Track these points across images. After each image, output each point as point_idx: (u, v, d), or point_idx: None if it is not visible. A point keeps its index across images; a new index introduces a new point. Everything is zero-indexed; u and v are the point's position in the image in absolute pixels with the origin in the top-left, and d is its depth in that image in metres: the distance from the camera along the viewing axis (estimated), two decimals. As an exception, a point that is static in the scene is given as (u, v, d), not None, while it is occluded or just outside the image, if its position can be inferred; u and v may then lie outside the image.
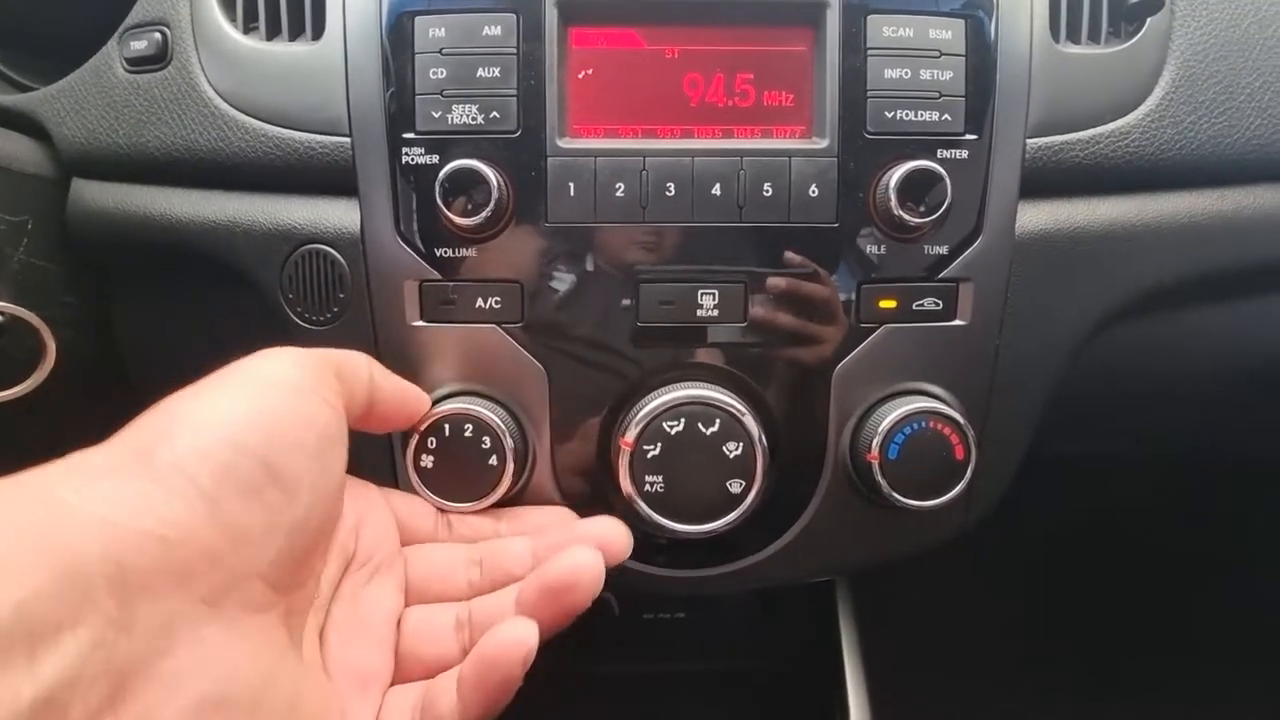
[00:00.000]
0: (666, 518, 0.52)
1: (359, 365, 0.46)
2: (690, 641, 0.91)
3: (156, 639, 0.32)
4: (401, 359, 0.54)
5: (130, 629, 0.31)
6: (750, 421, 0.52)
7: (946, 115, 0.52)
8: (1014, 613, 1.18)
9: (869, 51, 0.52)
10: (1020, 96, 0.53)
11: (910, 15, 0.51)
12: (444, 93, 0.51)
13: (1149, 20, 0.55)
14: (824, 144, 0.52)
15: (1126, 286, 0.57)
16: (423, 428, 0.51)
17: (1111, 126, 0.55)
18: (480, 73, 0.51)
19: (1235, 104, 0.56)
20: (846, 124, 0.52)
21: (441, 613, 0.47)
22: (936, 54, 0.52)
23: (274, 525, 0.37)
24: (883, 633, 0.81)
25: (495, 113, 0.51)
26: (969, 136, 0.53)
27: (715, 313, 0.53)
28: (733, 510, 0.52)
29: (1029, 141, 0.54)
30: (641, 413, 0.52)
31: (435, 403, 0.53)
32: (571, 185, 0.52)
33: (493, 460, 0.51)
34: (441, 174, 0.50)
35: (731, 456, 0.52)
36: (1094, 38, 0.56)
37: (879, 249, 0.53)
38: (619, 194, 0.52)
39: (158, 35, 0.56)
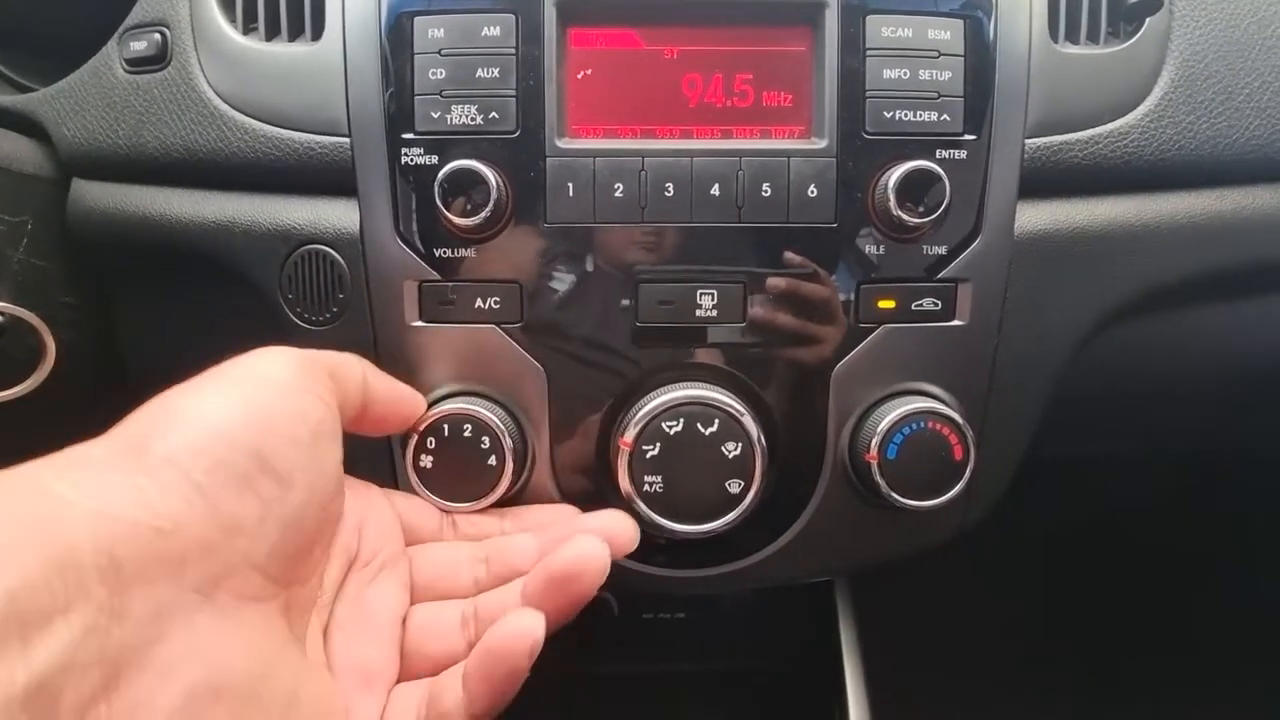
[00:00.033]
0: (665, 518, 0.52)
1: (352, 367, 0.46)
2: (690, 641, 0.91)
3: (149, 626, 0.32)
4: (401, 359, 0.54)
5: (123, 616, 0.31)
6: (749, 421, 0.52)
7: (945, 115, 0.52)
8: (1014, 613, 1.18)
9: (868, 52, 0.52)
10: (1019, 96, 0.53)
11: (909, 15, 0.52)
12: (443, 93, 0.51)
13: (1148, 20, 0.56)
14: (823, 144, 0.52)
15: (1126, 287, 0.57)
16: (422, 428, 0.51)
17: (1110, 127, 0.55)
18: (479, 73, 0.51)
19: (1234, 104, 0.56)
20: (845, 124, 0.52)
21: (447, 609, 0.47)
22: (935, 54, 0.52)
23: (267, 517, 0.37)
24: (882, 633, 0.81)
25: (494, 113, 0.51)
26: (968, 137, 0.53)
27: (714, 313, 0.53)
28: (732, 510, 0.52)
29: (1028, 142, 0.54)
30: (640, 413, 0.52)
31: (434, 403, 0.53)
32: (570, 185, 0.52)
33: (492, 460, 0.51)
34: (441, 174, 0.50)
35: (730, 456, 0.52)
36: (1093, 38, 0.56)
37: (878, 249, 0.53)
38: (618, 194, 0.52)
39: (157, 36, 0.56)
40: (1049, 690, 1.12)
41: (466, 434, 0.51)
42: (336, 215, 0.54)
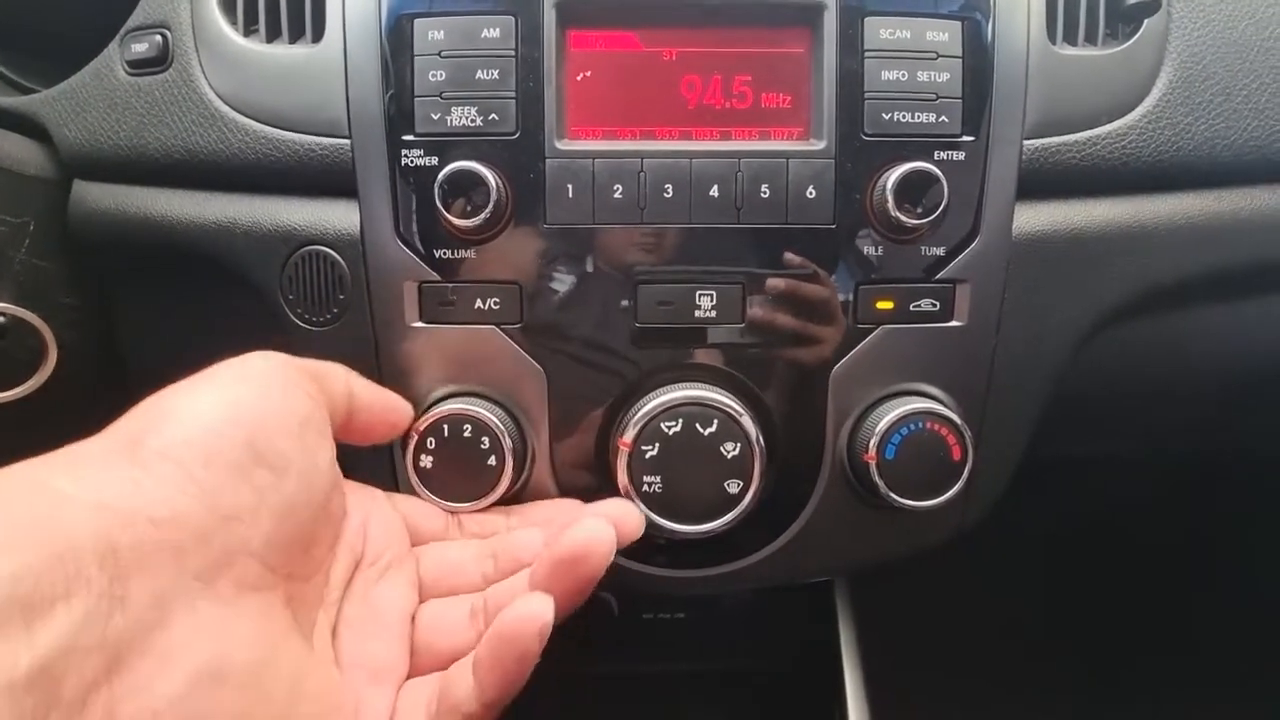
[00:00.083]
0: (664, 518, 0.52)
1: (337, 374, 0.47)
2: (689, 641, 0.91)
3: (150, 613, 0.33)
4: (401, 359, 0.54)
5: (124, 603, 0.32)
6: (748, 422, 0.52)
7: (943, 117, 0.52)
8: (1013, 613, 1.18)
9: (866, 53, 0.52)
10: (1017, 98, 0.53)
11: (907, 17, 0.52)
12: (443, 95, 0.52)
13: (1146, 22, 0.56)
14: (821, 145, 0.52)
15: (1124, 287, 0.57)
16: (422, 428, 0.52)
17: (1109, 128, 0.55)
18: (479, 75, 0.51)
19: (1232, 105, 0.56)
20: (844, 125, 0.52)
21: (456, 604, 0.47)
22: (934, 56, 0.52)
23: (262, 506, 0.38)
24: (882, 633, 0.81)
25: (494, 115, 0.52)
26: (966, 138, 0.53)
27: (713, 313, 0.54)
28: (730, 510, 0.52)
29: (1026, 143, 0.54)
30: (640, 413, 0.52)
31: (434, 403, 0.53)
32: (570, 187, 0.52)
33: (491, 460, 0.52)
34: (441, 176, 0.50)
35: (729, 457, 0.52)
36: (1091, 39, 0.56)
37: (876, 250, 0.53)
38: (617, 195, 0.52)
39: (159, 38, 0.56)
40: (1049, 690, 1.12)
41: (466, 434, 0.52)
42: (337, 216, 0.54)
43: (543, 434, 0.55)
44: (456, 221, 0.51)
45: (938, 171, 0.51)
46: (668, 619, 0.90)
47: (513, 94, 0.52)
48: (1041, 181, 0.55)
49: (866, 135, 0.52)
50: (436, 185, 0.50)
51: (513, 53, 0.51)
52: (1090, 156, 0.55)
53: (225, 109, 0.55)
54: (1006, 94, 0.53)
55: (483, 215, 0.50)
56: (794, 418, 0.55)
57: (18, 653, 0.28)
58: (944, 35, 0.52)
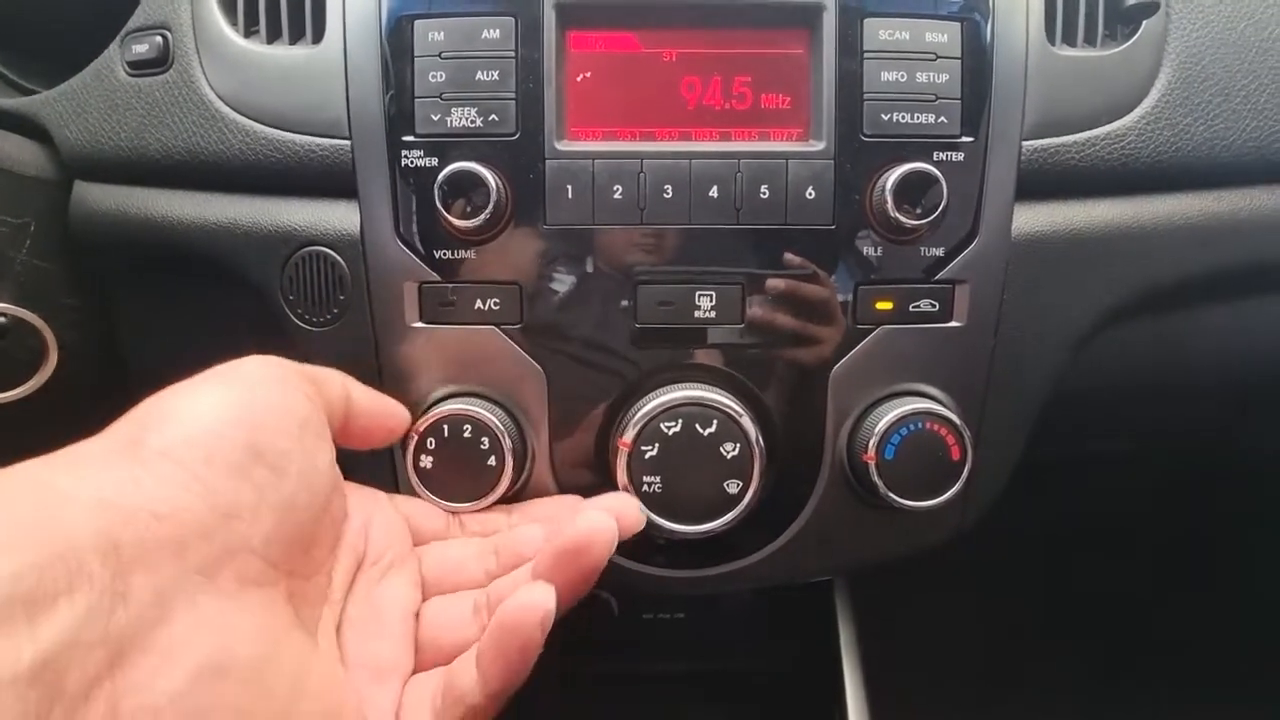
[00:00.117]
0: (664, 518, 0.52)
1: (334, 379, 0.48)
2: (689, 641, 0.91)
3: (152, 609, 0.33)
4: (401, 360, 0.54)
5: (125, 598, 0.32)
6: (747, 422, 0.52)
7: (942, 118, 0.52)
8: (1013, 613, 1.18)
9: (865, 54, 0.52)
10: (1016, 99, 0.54)
11: (906, 18, 0.52)
12: (443, 96, 0.52)
13: (1144, 23, 0.56)
14: (821, 146, 0.52)
15: (1123, 288, 0.57)
16: (422, 429, 0.52)
17: (1108, 129, 0.55)
18: (479, 76, 0.52)
19: (1231, 106, 0.56)
20: (843, 126, 0.52)
21: (459, 601, 0.47)
22: (932, 57, 0.52)
23: (262, 503, 0.38)
24: (882, 632, 0.81)
25: (494, 115, 0.52)
26: (965, 139, 0.53)
27: (713, 314, 0.54)
28: (730, 510, 0.52)
29: (1025, 144, 0.54)
30: (639, 413, 0.52)
31: (434, 404, 0.53)
32: (570, 187, 0.52)
33: (491, 460, 0.52)
34: (441, 176, 0.50)
35: (729, 457, 0.52)
36: (1090, 40, 0.56)
37: (875, 251, 0.53)
38: (617, 196, 0.52)
39: (159, 39, 0.56)
40: (1049, 690, 1.11)
41: (466, 434, 0.52)
42: (337, 217, 0.54)
43: (543, 434, 0.55)
44: (456, 222, 0.51)
45: (937, 172, 0.51)
46: (668, 619, 0.91)
47: (513, 95, 0.52)
48: (1041, 182, 0.55)
49: (866, 136, 0.52)
50: (436, 186, 0.50)
51: (513, 54, 0.52)
52: (1089, 157, 0.55)
53: (226, 110, 0.55)
54: (1005, 95, 0.53)
55: (483, 216, 0.50)
56: (793, 418, 0.55)
57: (21, 647, 0.28)
58: (943, 36, 0.52)
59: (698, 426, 0.52)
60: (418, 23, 0.52)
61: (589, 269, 0.53)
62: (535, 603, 0.40)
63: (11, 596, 0.28)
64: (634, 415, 0.52)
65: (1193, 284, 0.58)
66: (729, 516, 0.52)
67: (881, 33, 0.52)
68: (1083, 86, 0.55)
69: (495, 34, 0.51)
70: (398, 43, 0.52)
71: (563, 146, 0.52)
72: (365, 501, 0.50)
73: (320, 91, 0.54)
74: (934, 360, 0.55)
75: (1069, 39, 0.55)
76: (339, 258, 0.54)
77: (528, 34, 0.51)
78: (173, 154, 0.56)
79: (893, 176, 0.51)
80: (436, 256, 0.53)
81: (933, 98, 0.52)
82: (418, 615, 0.47)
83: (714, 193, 0.52)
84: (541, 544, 0.48)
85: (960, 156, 0.53)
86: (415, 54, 0.52)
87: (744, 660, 0.93)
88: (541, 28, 0.52)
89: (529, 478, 0.55)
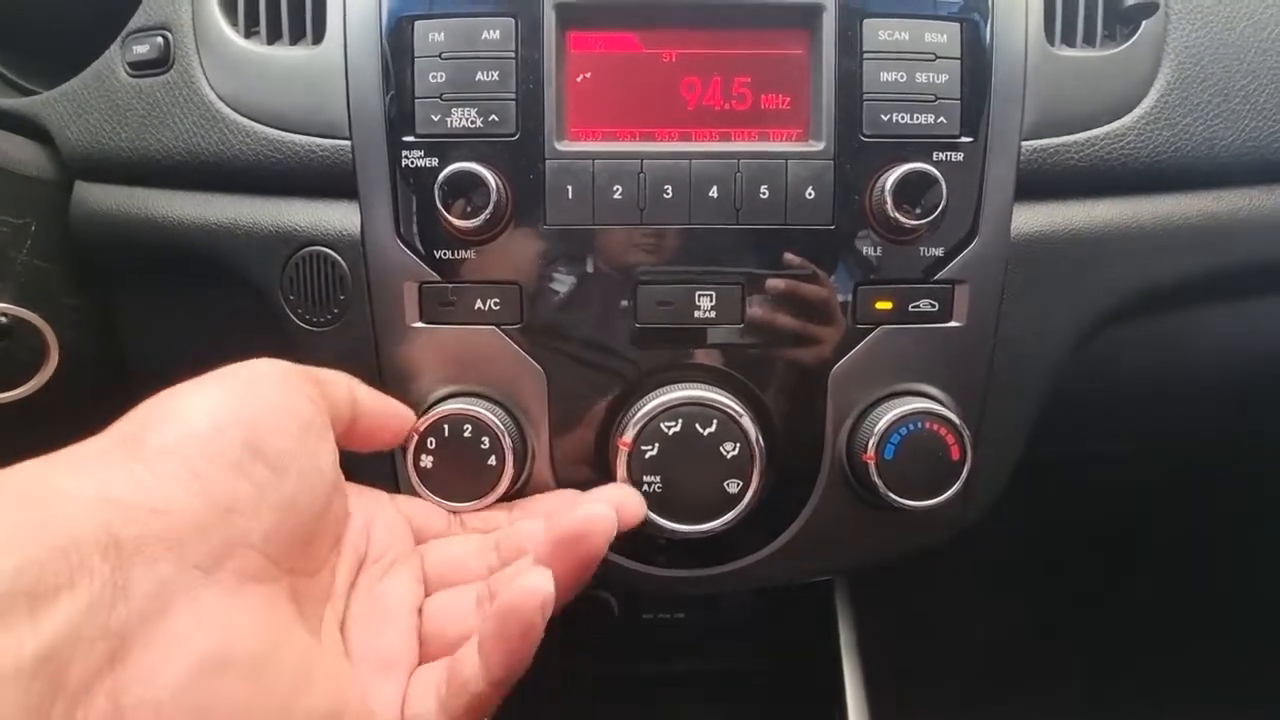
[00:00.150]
0: (664, 518, 0.52)
1: (340, 381, 0.48)
2: (690, 641, 0.91)
3: (153, 602, 0.33)
4: (401, 360, 0.54)
5: (126, 592, 0.32)
6: (747, 422, 0.52)
7: (942, 118, 0.52)
8: (1013, 613, 1.18)
9: (865, 55, 0.52)
10: (1015, 99, 0.54)
11: (905, 18, 0.52)
12: (443, 96, 0.52)
13: (1144, 23, 0.56)
14: (820, 146, 0.52)
15: (1123, 288, 0.57)
16: (422, 428, 0.52)
17: (1107, 129, 0.55)
18: (479, 76, 0.52)
19: (1230, 106, 0.56)
20: (842, 127, 0.52)
21: (463, 594, 0.48)
22: (932, 57, 0.52)
23: (262, 500, 0.38)
24: (882, 632, 0.81)
25: (494, 116, 0.52)
26: (964, 139, 0.53)
27: (713, 314, 0.54)
28: (730, 510, 0.52)
29: (1024, 144, 0.54)
30: (639, 413, 0.52)
31: (434, 403, 0.53)
32: (570, 188, 0.52)
33: (492, 460, 0.52)
34: (441, 177, 0.50)
35: (729, 457, 0.52)
36: (1089, 40, 0.56)
37: (875, 251, 0.53)
38: (617, 196, 0.52)
39: (160, 39, 0.56)
40: (1049, 690, 1.12)
41: (467, 434, 0.52)
42: (337, 217, 0.54)
43: (543, 434, 0.55)
44: (457, 222, 0.51)
45: (936, 172, 0.51)
46: (668, 619, 0.91)
47: (513, 95, 0.52)
48: (1040, 182, 0.55)
49: (865, 136, 0.52)
50: (437, 186, 0.51)
51: (513, 54, 0.52)
52: (1088, 157, 0.55)
53: (226, 110, 0.55)
54: (1005, 95, 0.53)
55: (483, 216, 0.51)
56: (793, 418, 0.55)
57: (23, 640, 0.28)
58: (942, 37, 0.52)
59: (698, 426, 0.52)
60: (418, 23, 0.52)
61: (589, 269, 0.53)
62: (535, 587, 0.40)
63: (13, 590, 0.28)
64: (634, 415, 0.52)
65: (1192, 284, 0.58)
66: (729, 516, 0.52)
67: (881, 33, 0.52)
68: (1082, 87, 0.55)
69: (495, 34, 0.51)
70: (398, 43, 0.52)
71: (563, 147, 0.52)
72: (367, 502, 0.50)
73: (321, 92, 0.54)
74: (933, 360, 0.55)
75: (1068, 39, 0.56)
76: (339, 258, 0.54)
77: (528, 34, 0.52)
78: (173, 154, 0.56)
79: (892, 177, 0.51)
80: (437, 256, 0.53)
81: (932, 98, 0.52)
82: (421, 610, 0.47)
83: (714, 193, 0.52)
84: (542, 537, 0.48)
85: (960, 157, 0.53)
86: (415, 54, 0.52)
87: (744, 660, 0.93)
88: (541, 28, 0.52)
89: (529, 477, 0.55)
